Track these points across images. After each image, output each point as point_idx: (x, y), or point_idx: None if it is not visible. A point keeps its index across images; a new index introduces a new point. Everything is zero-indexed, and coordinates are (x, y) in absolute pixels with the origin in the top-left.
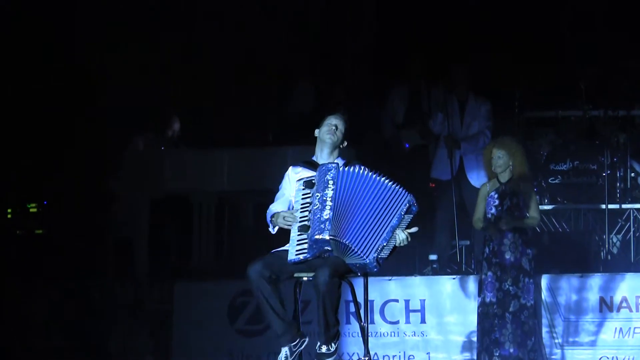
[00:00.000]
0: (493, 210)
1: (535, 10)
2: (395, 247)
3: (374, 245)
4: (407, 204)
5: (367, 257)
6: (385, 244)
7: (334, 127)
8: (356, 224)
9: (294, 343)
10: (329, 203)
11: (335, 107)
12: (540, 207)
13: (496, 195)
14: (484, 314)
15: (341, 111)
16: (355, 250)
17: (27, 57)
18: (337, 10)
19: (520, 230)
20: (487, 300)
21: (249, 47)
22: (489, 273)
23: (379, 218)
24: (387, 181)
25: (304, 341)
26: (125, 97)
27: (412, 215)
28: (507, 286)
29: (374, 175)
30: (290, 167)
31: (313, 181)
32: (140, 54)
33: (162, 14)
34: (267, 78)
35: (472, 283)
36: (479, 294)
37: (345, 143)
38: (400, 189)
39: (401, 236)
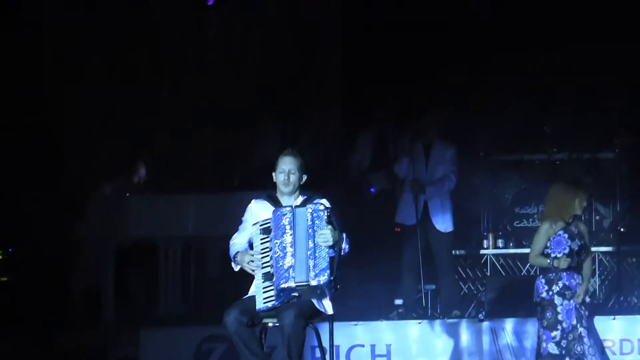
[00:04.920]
0: (567, 250)
1: (500, 55)
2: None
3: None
4: (326, 216)
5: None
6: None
7: (287, 177)
8: (308, 259)
9: None
10: (289, 249)
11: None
12: (506, 250)
13: (566, 235)
14: (570, 340)
15: (292, 149)
16: (322, 285)
17: None
18: (304, 55)
19: (580, 270)
20: (571, 327)
21: (214, 92)
22: (566, 302)
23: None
24: (307, 209)
25: None
26: (90, 143)
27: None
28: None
29: (301, 209)
30: (253, 201)
31: (270, 227)
32: (105, 99)
33: (127, 59)
34: (233, 123)
35: (438, 327)
36: (554, 328)
37: (305, 177)
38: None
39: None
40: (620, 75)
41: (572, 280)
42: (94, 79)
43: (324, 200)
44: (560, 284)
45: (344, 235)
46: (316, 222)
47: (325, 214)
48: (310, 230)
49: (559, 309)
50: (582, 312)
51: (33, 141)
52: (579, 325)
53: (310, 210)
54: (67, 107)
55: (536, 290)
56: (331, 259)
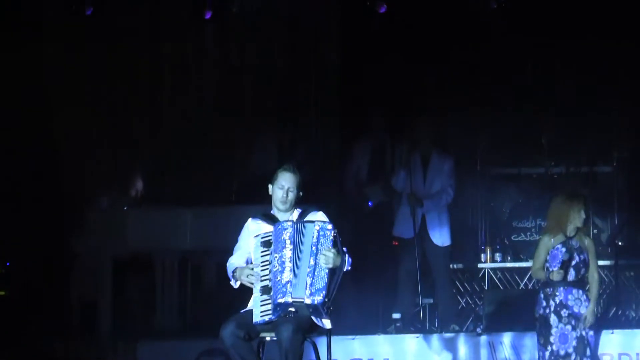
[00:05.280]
0: (566, 259)
1: (497, 66)
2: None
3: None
4: (332, 237)
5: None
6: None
7: (285, 195)
8: (307, 276)
9: None
10: (287, 264)
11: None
12: (503, 264)
13: (564, 249)
14: None
15: (292, 166)
16: (317, 304)
17: None
18: (300, 68)
19: (582, 285)
20: (563, 352)
21: (211, 105)
22: (562, 325)
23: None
24: (314, 226)
25: None
26: (88, 156)
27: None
28: (580, 332)
29: (308, 224)
30: (250, 219)
31: (270, 240)
32: (103, 112)
33: (126, 72)
34: (229, 136)
35: (435, 341)
36: (545, 347)
37: (301, 194)
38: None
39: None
40: (618, 88)
41: (570, 296)
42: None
43: (320, 214)
44: (557, 299)
45: (347, 257)
46: (321, 240)
47: (332, 234)
48: (313, 248)
49: (552, 330)
50: (588, 339)
51: (31, 154)
52: (574, 356)
53: (317, 227)
54: (65, 121)
55: (536, 304)
56: (329, 280)
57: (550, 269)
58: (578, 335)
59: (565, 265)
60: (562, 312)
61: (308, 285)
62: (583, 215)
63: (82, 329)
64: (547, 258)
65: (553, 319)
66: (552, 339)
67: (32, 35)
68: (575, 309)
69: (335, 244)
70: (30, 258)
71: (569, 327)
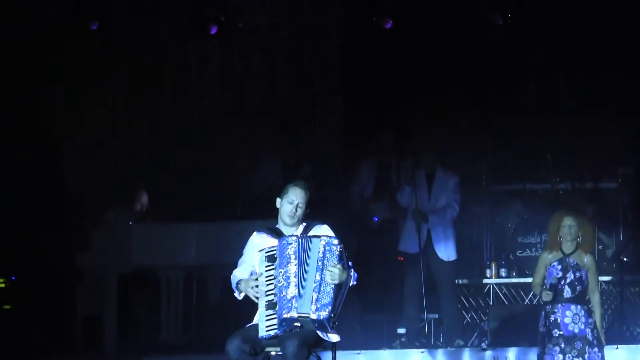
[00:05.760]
0: (555, 282)
1: (502, 83)
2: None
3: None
4: (338, 252)
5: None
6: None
7: (294, 210)
8: (313, 291)
9: None
10: (292, 279)
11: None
12: (508, 280)
13: (559, 267)
14: None
15: (303, 181)
16: (322, 320)
17: None
18: (305, 83)
19: (582, 300)
20: None
21: (215, 121)
22: (550, 346)
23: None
24: (321, 241)
25: None
26: (93, 171)
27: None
28: (572, 358)
29: (314, 239)
30: (255, 233)
31: (275, 255)
32: (107, 128)
33: (128, 86)
34: (234, 152)
35: (441, 356)
36: None
37: (308, 211)
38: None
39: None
40: (623, 104)
41: (568, 312)
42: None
43: (325, 227)
44: (552, 317)
45: (352, 272)
46: (327, 255)
47: (338, 250)
48: (319, 263)
49: (545, 349)
50: None
51: (35, 170)
52: None
53: (323, 243)
54: (70, 135)
55: (539, 320)
56: (335, 295)
57: (547, 285)
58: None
59: (554, 286)
60: (553, 332)
61: (314, 301)
62: (574, 231)
63: (87, 344)
64: (546, 275)
65: (547, 338)
66: (545, 357)
67: (33, 39)
68: (570, 328)
69: (341, 259)
70: (36, 272)
71: (557, 348)
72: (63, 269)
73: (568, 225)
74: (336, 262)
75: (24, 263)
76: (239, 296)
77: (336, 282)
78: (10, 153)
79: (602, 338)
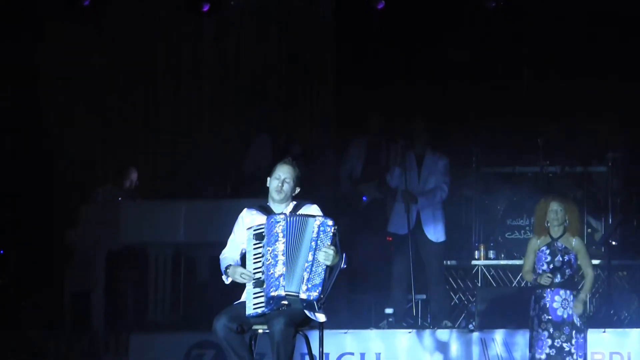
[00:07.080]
0: (545, 267)
1: (494, 67)
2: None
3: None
4: (332, 233)
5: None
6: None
7: (280, 184)
8: (304, 271)
9: None
10: (280, 257)
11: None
12: (497, 262)
13: (547, 251)
14: None
15: (292, 159)
16: (312, 300)
17: None
18: (296, 63)
19: (571, 285)
20: (537, 357)
21: (206, 100)
22: (540, 330)
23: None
24: (315, 221)
25: None
26: (83, 148)
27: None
28: (561, 343)
29: (309, 219)
30: (245, 210)
31: (262, 233)
32: (98, 105)
33: (121, 67)
34: (225, 130)
35: (428, 337)
36: (530, 350)
37: (298, 190)
38: (324, 222)
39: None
40: (613, 88)
41: (557, 297)
42: (89, 83)
43: (314, 207)
44: (542, 302)
45: (343, 254)
46: (321, 235)
47: (332, 231)
48: (312, 243)
49: (533, 332)
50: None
51: (25, 145)
52: None
53: (317, 223)
54: (61, 112)
55: (529, 305)
56: (326, 276)
57: (538, 271)
58: (558, 345)
59: (549, 268)
60: (542, 317)
61: (305, 281)
62: (560, 216)
63: (75, 321)
64: (536, 260)
65: (535, 322)
66: (532, 341)
67: (31, 35)
68: (559, 313)
69: (334, 241)
70: (24, 248)
71: (545, 333)
72: (52, 245)
73: (554, 210)
74: (329, 243)
75: (13, 238)
76: (227, 280)
77: (329, 263)
78: (2, 126)
79: (582, 307)
